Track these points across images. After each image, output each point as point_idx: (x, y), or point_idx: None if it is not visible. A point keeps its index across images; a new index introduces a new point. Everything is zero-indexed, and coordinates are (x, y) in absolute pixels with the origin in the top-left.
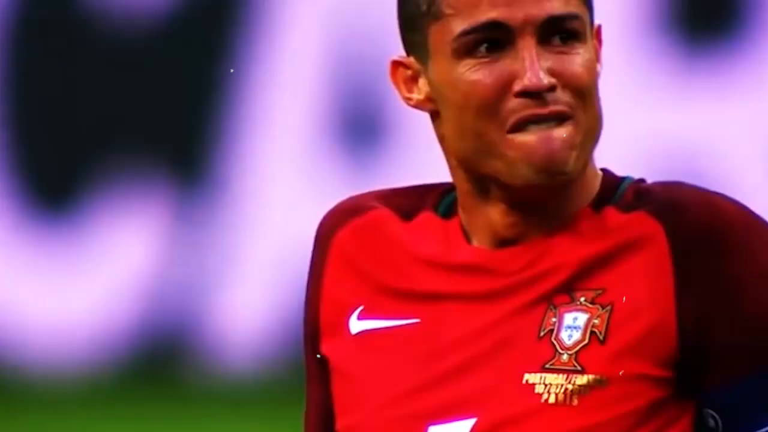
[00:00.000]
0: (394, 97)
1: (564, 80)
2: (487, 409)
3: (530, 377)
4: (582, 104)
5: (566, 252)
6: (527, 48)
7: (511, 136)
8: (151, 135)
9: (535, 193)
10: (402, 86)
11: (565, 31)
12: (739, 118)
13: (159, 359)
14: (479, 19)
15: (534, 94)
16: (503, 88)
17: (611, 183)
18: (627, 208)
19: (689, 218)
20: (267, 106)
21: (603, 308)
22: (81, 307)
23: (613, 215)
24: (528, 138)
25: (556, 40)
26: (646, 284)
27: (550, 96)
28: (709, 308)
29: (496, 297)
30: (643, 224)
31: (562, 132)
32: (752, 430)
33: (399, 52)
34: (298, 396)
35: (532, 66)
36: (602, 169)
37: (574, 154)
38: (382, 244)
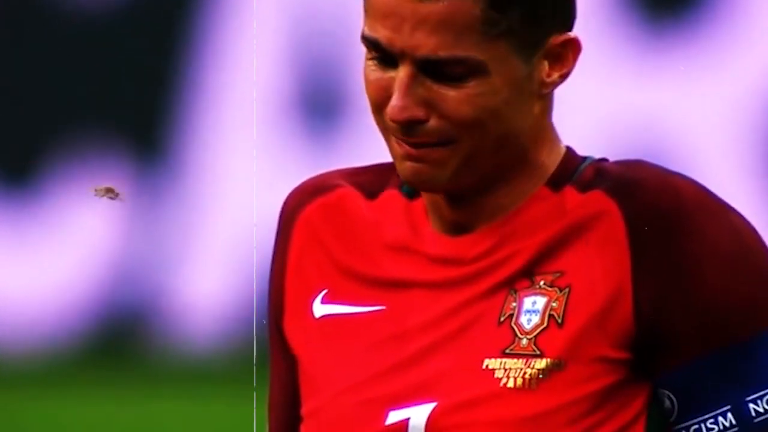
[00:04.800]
0: (355, 74)
1: (440, 113)
2: (446, 393)
3: (490, 362)
4: (466, 132)
5: (525, 236)
6: (402, 77)
7: (393, 139)
8: (110, 112)
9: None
10: None
11: (443, 75)
12: (703, 96)
13: (120, 337)
14: (371, 33)
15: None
16: (387, 98)
17: (572, 162)
18: (585, 187)
19: (645, 197)
20: (226, 84)
21: (561, 291)
22: (40, 285)
23: (571, 195)
24: (398, 150)
25: (439, 75)
26: (602, 265)
27: (418, 128)
28: (665, 289)
29: (459, 284)
30: (599, 203)
31: (430, 154)
32: (708, 411)
33: (360, 29)
34: (259, 374)
35: (399, 98)
36: (567, 147)
37: (445, 173)
38: (348, 224)
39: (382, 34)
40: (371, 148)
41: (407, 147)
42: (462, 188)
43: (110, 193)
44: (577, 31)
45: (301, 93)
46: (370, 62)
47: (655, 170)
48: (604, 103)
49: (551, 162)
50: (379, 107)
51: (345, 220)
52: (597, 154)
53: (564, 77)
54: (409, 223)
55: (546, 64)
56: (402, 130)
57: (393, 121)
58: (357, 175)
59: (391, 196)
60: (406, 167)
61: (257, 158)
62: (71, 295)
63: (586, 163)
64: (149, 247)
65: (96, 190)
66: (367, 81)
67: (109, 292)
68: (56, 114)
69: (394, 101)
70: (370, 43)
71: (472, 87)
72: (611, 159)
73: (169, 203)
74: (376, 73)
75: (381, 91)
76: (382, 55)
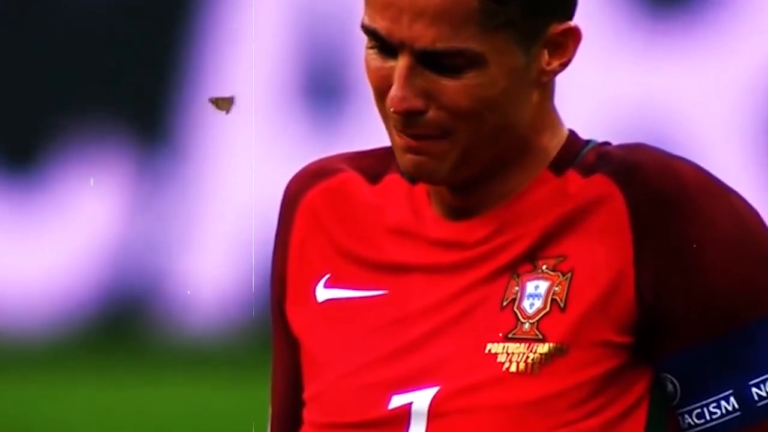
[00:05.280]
0: (357, 59)
1: (439, 103)
2: (449, 378)
3: (492, 347)
4: (464, 123)
5: (528, 220)
6: (401, 67)
7: (393, 131)
8: (112, 97)
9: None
10: None
11: (442, 66)
12: (703, 80)
13: (121, 321)
14: (370, 23)
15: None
16: (388, 86)
17: (574, 146)
18: (587, 171)
19: (647, 181)
20: (231, 68)
21: (563, 275)
22: (43, 269)
23: (573, 179)
24: (399, 142)
25: (438, 67)
26: (605, 248)
27: (418, 119)
28: (667, 273)
29: (461, 269)
30: (601, 187)
31: (429, 146)
32: (710, 395)
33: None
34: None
35: (398, 89)
36: (569, 131)
37: (445, 166)
38: (350, 208)
39: (381, 24)
40: (373, 131)
41: (407, 139)
42: (462, 179)
43: (224, 104)
44: (579, 14)
45: (302, 77)
46: (371, 51)
47: (657, 154)
48: (606, 87)
49: (553, 146)
50: (381, 95)
51: (347, 204)
52: (599, 138)
53: (564, 66)
54: (412, 207)
55: (546, 53)
56: (402, 122)
57: (393, 111)
58: (359, 159)
59: (394, 180)
60: (406, 160)
61: (258, 144)
62: (73, 280)
63: (589, 146)
64: (151, 232)
65: (212, 100)
66: (368, 69)
67: (111, 277)
68: (59, 101)
69: (394, 92)
70: (369, 33)
71: (470, 78)
72: (613, 143)
73: (170, 189)
74: (377, 62)
75: (382, 80)
76: (382, 44)
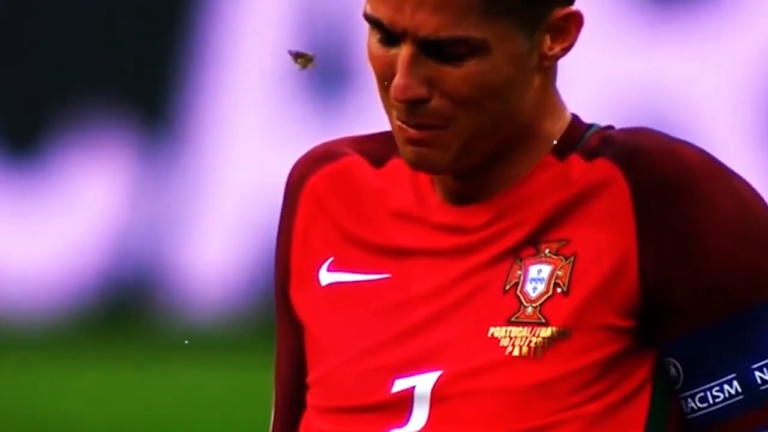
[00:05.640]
0: (360, 42)
1: (441, 91)
2: (452, 362)
3: (495, 330)
4: (465, 111)
5: (530, 204)
6: (404, 56)
7: (396, 123)
8: (116, 82)
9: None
10: None
11: (445, 54)
12: (705, 63)
13: (125, 305)
14: (373, 12)
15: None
16: (393, 73)
17: (577, 130)
18: (590, 155)
19: (650, 164)
20: (233, 50)
21: (566, 259)
22: (46, 254)
23: (576, 163)
24: (401, 133)
25: (441, 55)
26: (608, 232)
27: (421, 107)
28: (670, 257)
29: (464, 253)
30: (604, 171)
31: (431, 137)
32: (714, 379)
33: None
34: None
35: (402, 77)
36: (572, 115)
37: (447, 156)
38: (354, 192)
39: (383, 14)
40: (376, 115)
41: (410, 131)
42: (465, 168)
43: (304, 60)
44: None
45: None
46: (374, 40)
47: (660, 138)
48: (608, 70)
49: (556, 130)
50: (384, 84)
51: (351, 188)
52: (602, 122)
53: (566, 50)
54: (415, 191)
55: (548, 38)
56: (405, 110)
57: (396, 100)
58: (363, 142)
59: (398, 164)
60: (408, 152)
61: (260, 128)
62: (76, 265)
63: (592, 130)
64: (153, 217)
65: (292, 53)
66: (371, 57)
67: (115, 260)
68: (62, 83)
69: (397, 80)
70: (372, 22)
71: (473, 65)
72: (616, 126)
73: (172, 174)
74: (380, 50)
75: (385, 69)
76: (385, 33)
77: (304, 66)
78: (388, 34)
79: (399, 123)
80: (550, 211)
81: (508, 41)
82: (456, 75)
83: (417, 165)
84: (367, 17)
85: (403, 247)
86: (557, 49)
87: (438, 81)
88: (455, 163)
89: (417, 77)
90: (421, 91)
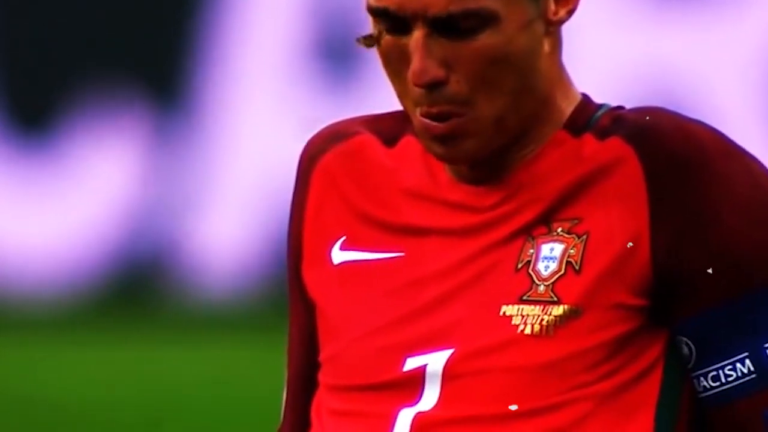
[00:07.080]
0: (369, 22)
1: (459, 69)
2: (463, 340)
3: (507, 309)
4: (484, 90)
5: (543, 183)
6: (417, 39)
7: (416, 112)
8: (129, 60)
9: None
10: None
11: (458, 30)
12: (717, 42)
13: (137, 283)
14: (377, 2)
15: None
16: (406, 62)
17: (588, 109)
18: (602, 134)
19: (663, 143)
20: (245, 29)
21: (579, 238)
22: (58, 232)
23: (588, 142)
24: (425, 131)
25: (453, 32)
26: (620, 211)
27: (440, 91)
28: (682, 236)
29: (476, 231)
30: (617, 149)
31: (455, 129)
32: (726, 358)
33: None
34: (275, 320)
35: (419, 60)
36: (583, 94)
37: (470, 141)
38: (366, 170)
39: (389, 1)
40: (387, 93)
41: (432, 125)
42: (493, 151)
43: (371, 40)
44: None
45: (315, 39)
46: (382, 33)
47: (672, 117)
48: (620, 50)
49: (567, 106)
50: (398, 75)
51: (363, 166)
52: (613, 102)
53: (570, 13)
54: (428, 170)
55: (551, 2)
56: (425, 95)
57: (416, 85)
58: (375, 121)
59: (410, 142)
60: (436, 147)
61: (272, 107)
62: (90, 242)
63: (603, 110)
64: (165, 195)
65: (358, 40)
66: (380, 50)
67: (127, 239)
68: (75, 64)
69: (414, 65)
70: (378, 13)
71: (486, 38)
72: (628, 106)
73: (184, 152)
74: (389, 43)
75: (397, 60)
76: (393, 23)
77: (370, 46)
78: (396, 22)
79: (420, 118)
80: (562, 189)
81: (517, 8)
82: (471, 50)
83: (448, 159)
84: (371, 9)
85: (416, 226)
86: (562, 12)
87: (453, 60)
88: (486, 149)
89: (433, 59)
90: (438, 72)
